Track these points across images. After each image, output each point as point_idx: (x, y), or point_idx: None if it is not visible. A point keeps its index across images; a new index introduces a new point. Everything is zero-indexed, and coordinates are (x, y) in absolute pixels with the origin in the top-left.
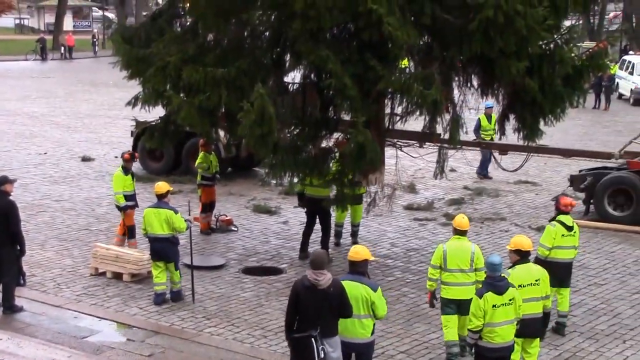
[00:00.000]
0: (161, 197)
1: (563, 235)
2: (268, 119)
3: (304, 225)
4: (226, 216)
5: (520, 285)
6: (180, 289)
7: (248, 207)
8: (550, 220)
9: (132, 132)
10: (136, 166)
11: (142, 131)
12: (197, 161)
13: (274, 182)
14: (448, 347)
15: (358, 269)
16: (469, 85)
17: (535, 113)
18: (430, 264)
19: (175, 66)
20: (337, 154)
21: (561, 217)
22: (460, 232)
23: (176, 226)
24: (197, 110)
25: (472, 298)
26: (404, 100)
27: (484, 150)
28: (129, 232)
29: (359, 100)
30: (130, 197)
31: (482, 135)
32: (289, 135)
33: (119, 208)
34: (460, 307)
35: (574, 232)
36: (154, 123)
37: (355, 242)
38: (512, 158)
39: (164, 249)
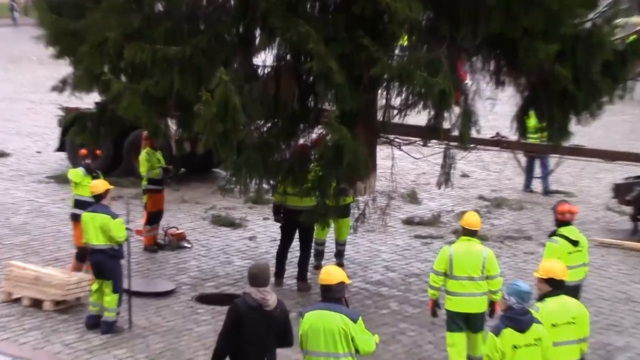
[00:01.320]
0: (99, 199)
1: (569, 252)
2: (232, 111)
3: (278, 243)
4: (177, 229)
5: (553, 325)
6: (116, 319)
7: (205, 218)
8: (550, 236)
9: (59, 120)
10: (65, 164)
11: (72, 121)
12: (141, 162)
13: (237, 189)
14: None
15: (333, 295)
16: (483, 71)
17: (566, 108)
18: (433, 270)
19: (115, 43)
20: (316, 156)
21: (563, 230)
22: (470, 233)
23: (113, 234)
24: (143, 98)
25: (483, 312)
26: (404, 89)
27: (542, 159)
28: (77, 254)
29: (347, 88)
30: (83, 204)
31: (530, 138)
32: (257, 131)
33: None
34: (470, 323)
35: (582, 247)
36: (86, 112)
37: (340, 264)
38: (538, 161)
39: (100, 263)
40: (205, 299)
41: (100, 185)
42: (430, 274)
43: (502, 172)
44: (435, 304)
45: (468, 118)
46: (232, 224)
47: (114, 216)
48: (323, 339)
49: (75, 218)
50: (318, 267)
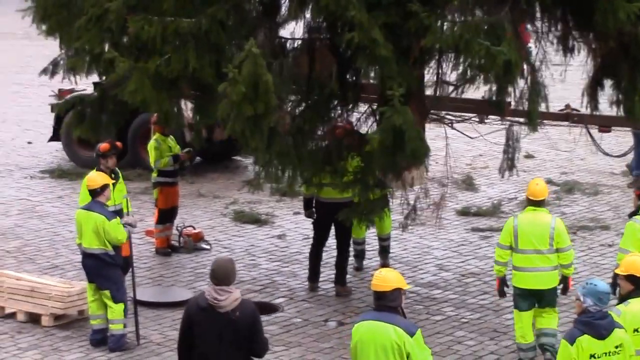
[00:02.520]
0: (95, 195)
1: None
2: (264, 91)
3: (311, 242)
4: (194, 229)
5: (636, 331)
6: (123, 333)
7: (226, 214)
8: (630, 215)
9: (52, 106)
10: (61, 157)
11: (68, 108)
12: (150, 151)
13: (268, 184)
14: (520, 352)
15: (387, 304)
16: (550, 35)
17: None
18: (498, 244)
19: (117, 15)
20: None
21: None
22: (535, 203)
23: (111, 237)
24: (153, 80)
25: (554, 288)
26: (460, 61)
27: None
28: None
29: (394, 63)
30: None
31: None
32: (290, 115)
33: None
34: (539, 301)
35: None
36: (84, 97)
37: (385, 264)
38: (616, 137)
39: (94, 270)
40: None
41: (98, 179)
42: (495, 248)
43: (573, 151)
44: (503, 282)
45: (536, 92)
46: (257, 220)
47: (110, 217)
48: (374, 354)
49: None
50: (359, 269)
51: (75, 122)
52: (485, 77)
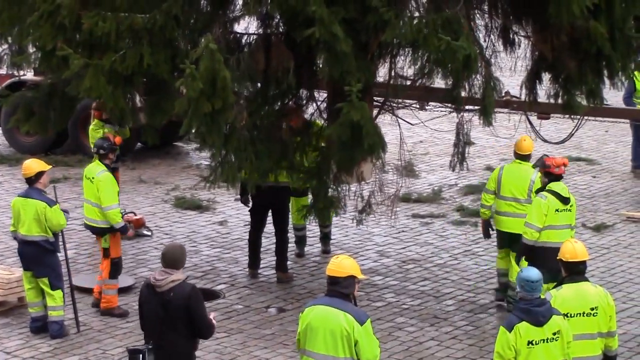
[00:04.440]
0: (31, 182)
1: (557, 210)
2: (222, 88)
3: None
4: (135, 214)
5: (567, 315)
6: (62, 318)
7: (167, 200)
8: (537, 191)
9: None
10: (0, 142)
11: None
12: (90, 137)
13: (225, 184)
14: (499, 276)
15: (340, 290)
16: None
17: (599, 70)
18: (485, 189)
19: (70, 11)
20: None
21: (553, 186)
22: (521, 157)
23: (53, 224)
24: (108, 76)
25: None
26: (418, 55)
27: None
28: (111, 269)
29: (353, 58)
30: None
31: (636, 102)
32: (246, 111)
33: (103, 231)
34: (512, 243)
35: (571, 206)
36: (31, 95)
37: (326, 251)
38: (555, 124)
39: (32, 257)
40: None
41: (33, 166)
42: (482, 193)
43: (512, 137)
44: (487, 225)
45: (491, 87)
46: (198, 207)
47: (51, 203)
48: (322, 339)
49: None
50: (300, 255)
51: (22, 120)
52: (444, 72)
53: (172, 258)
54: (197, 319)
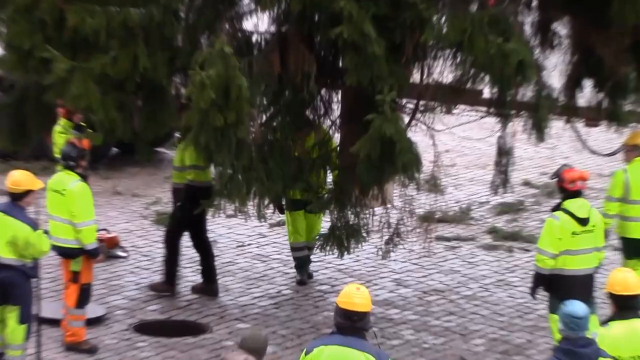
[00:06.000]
0: (17, 198)
1: (574, 233)
2: (236, 98)
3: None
4: (108, 232)
5: (617, 358)
6: (22, 358)
7: (147, 216)
8: (552, 210)
9: None
10: None
11: None
12: (55, 140)
13: (234, 210)
14: None
15: (356, 326)
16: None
17: None
18: (607, 197)
19: (51, 5)
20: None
21: (569, 204)
22: None
23: (35, 250)
24: (98, 82)
25: None
26: (461, 59)
27: None
28: (80, 297)
29: (384, 62)
30: None
31: None
32: (259, 124)
33: (76, 253)
34: None
35: (593, 226)
36: None
37: (308, 275)
38: (606, 133)
39: (8, 285)
40: (147, 328)
41: (23, 181)
42: (604, 202)
43: (555, 148)
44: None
45: (545, 97)
46: None
47: (34, 226)
48: None
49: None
50: (302, 282)
51: None
52: (492, 78)
53: (254, 347)
54: None
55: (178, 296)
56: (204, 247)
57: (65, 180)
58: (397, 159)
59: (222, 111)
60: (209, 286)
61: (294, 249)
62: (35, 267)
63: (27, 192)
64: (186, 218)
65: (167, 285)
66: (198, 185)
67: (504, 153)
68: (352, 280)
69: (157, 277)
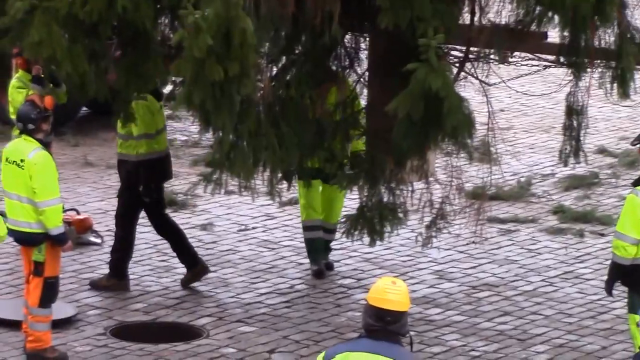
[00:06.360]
0: None
1: None
2: (240, 44)
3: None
4: (78, 213)
5: None
6: None
7: None
8: (634, 185)
9: None
10: None
11: None
12: (11, 98)
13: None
14: None
15: (390, 329)
16: None
17: None
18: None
19: None
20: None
21: None
22: None
23: None
24: (64, 25)
25: None
26: None
27: None
28: (44, 294)
29: None
30: None
31: None
32: (268, 79)
33: (38, 239)
34: None
35: None
36: None
37: (327, 265)
38: None
39: None
40: (128, 332)
41: None
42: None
43: (637, 108)
44: None
45: (629, 40)
46: (172, 202)
47: None
48: None
49: None
50: (319, 273)
51: None
52: (561, 18)
53: None
54: None
55: (166, 293)
56: (169, 229)
57: (23, 148)
58: (445, 121)
59: (222, 61)
60: (196, 270)
61: (306, 228)
62: None
63: None
64: (140, 198)
65: (115, 280)
66: (155, 158)
67: (574, 113)
68: (383, 272)
69: (140, 269)
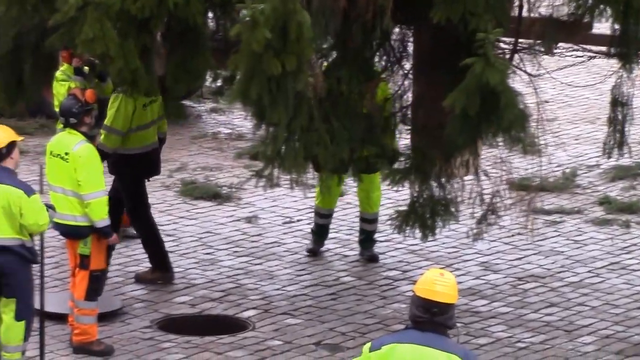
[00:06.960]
0: None
1: None
2: (297, 39)
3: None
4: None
5: None
6: None
7: (170, 185)
8: None
9: None
10: None
11: None
12: (56, 92)
13: (289, 177)
14: None
15: (437, 321)
16: None
17: None
18: None
19: None
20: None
21: None
22: None
23: (29, 223)
24: (116, 21)
25: None
26: None
27: None
28: (90, 287)
29: None
30: None
31: None
32: (320, 74)
33: (84, 232)
34: None
35: None
36: None
37: (372, 257)
38: None
39: (3, 271)
40: (174, 325)
41: (1, 135)
42: None
43: None
44: None
45: None
46: (215, 195)
47: (29, 191)
48: None
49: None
50: (314, 251)
51: None
52: (615, 10)
53: None
54: None
55: (212, 285)
56: (147, 227)
57: (68, 141)
58: (502, 116)
59: (279, 56)
60: (159, 274)
61: (318, 214)
62: (33, 249)
63: (10, 147)
64: (142, 185)
65: (159, 273)
66: (142, 152)
67: (620, 104)
68: (429, 264)
69: (185, 262)
